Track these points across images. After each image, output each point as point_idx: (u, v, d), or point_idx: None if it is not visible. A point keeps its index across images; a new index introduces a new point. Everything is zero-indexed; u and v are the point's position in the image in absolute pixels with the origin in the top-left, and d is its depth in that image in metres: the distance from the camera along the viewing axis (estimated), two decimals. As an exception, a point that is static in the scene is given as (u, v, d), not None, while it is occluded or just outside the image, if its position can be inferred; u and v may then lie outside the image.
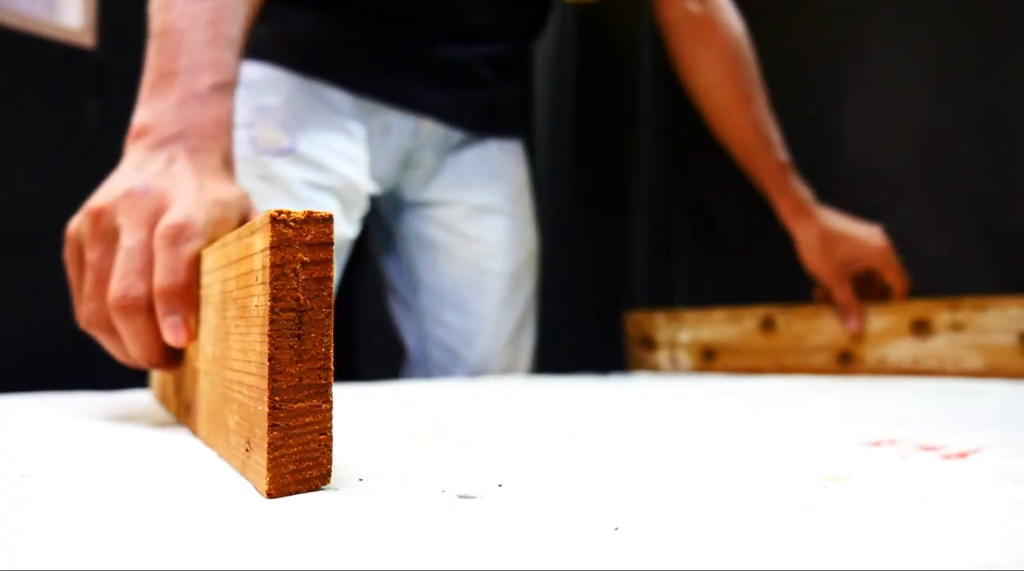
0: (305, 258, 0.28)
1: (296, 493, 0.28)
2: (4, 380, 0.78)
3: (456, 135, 1.00)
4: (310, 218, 0.28)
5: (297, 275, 0.28)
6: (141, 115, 0.55)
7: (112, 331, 0.49)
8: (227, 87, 0.57)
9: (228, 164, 0.56)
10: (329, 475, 0.28)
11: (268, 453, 0.27)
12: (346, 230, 0.92)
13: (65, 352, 0.87)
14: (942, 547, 0.22)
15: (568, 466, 0.35)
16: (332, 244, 0.28)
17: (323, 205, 0.88)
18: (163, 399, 0.58)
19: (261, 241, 0.29)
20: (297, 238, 0.28)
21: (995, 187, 1.00)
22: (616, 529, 0.24)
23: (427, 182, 1.02)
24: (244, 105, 0.84)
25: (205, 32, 0.57)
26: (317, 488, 0.28)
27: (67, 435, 0.44)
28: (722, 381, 0.96)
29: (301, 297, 0.28)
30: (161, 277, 0.44)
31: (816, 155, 1.11)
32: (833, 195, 1.05)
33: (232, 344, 0.34)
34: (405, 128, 0.94)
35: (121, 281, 0.46)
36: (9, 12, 1.05)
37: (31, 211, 0.98)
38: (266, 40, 0.87)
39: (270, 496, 0.27)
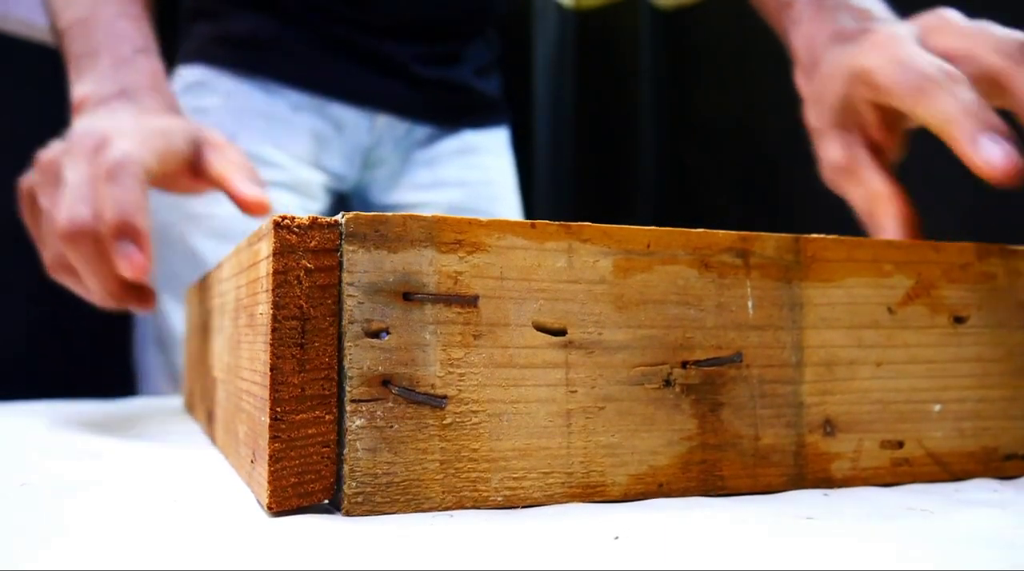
0: (309, 265, 0.27)
1: (298, 507, 0.27)
2: (6, 384, 0.79)
3: (421, 129, 0.93)
4: (315, 223, 0.27)
5: (301, 282, 0.27)
6: (77, 91, 0.57)
7: (74, 271, 0.50)
8: (150, 50, 0.59)
9: (173, 109, 0.58)
10: (332, 488, 0.27)
11: (269, 466, 0.27)
12: None
13: (65, 355, 0.88)
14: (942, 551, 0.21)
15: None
16: (337, 250, 0.28)
17: (276, 201, 0.83)
18: (190, 407, 0.59)
19: (266, 248, 0.28)
20: (301, 244, 0.27)
21: (993, 193, 0.97)
22: (616, 538, 0.23)
23: (395, 182, 0.95)
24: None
25: (110, 10, 0.60)
26: (319, 501, 0.27)
27: (67, 443, 0.44)
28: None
29: (304, 305, 0.27)
30: (110, 213, 0.46)
31: (817, 160, 1.09)
32: (834, 199, 1.03)
33: (242, 353, 0.33)
34: (359, 124, 0.89)
35: (66, 212, 0.47)
36: (10, 18, 1.07)
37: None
38: (204, 41, 0.86)
39: (271, 510, 0.27)
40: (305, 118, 0.87)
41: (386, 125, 0.91)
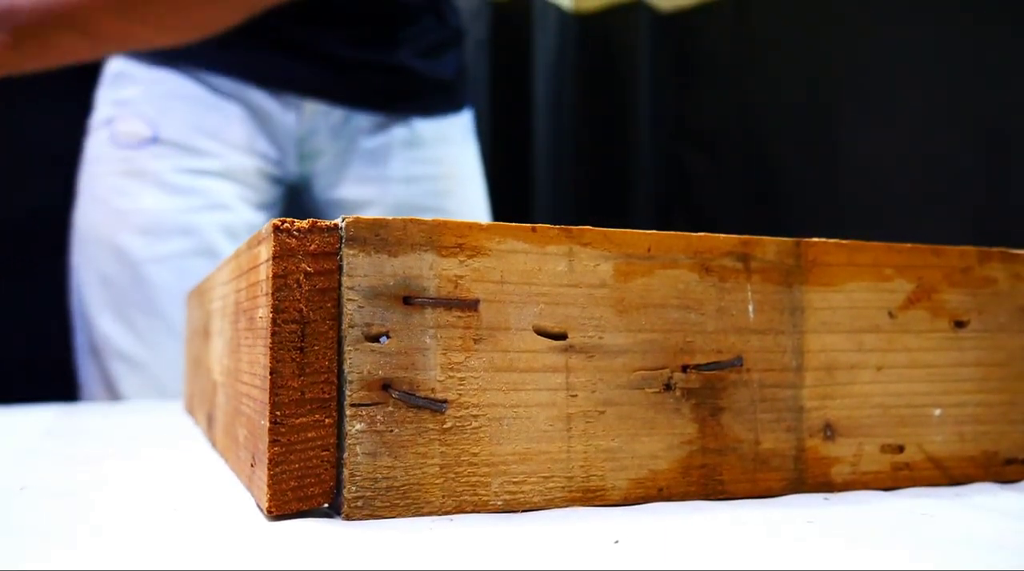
0: (309, 269, 0.27)
1: (298, 510, 0.27)
2: (6, 389, 0.79)
3: (363, 118, 0.86)
4: (314, 227, 0.27)
5: (300, 286, 0.27)
6: None
7: None
8: None
9: None
10: (332, 492, 0.27)
11: (268, 469, 0.26)
12: (250, 217, 0.82)
13: (65, 360, 0.87)
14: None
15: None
16: (337, 254, 0.28)
17: (210, 191, 0.80)
18: (190, 409, 0.58)
19: (266, 251, 0.28)
20: (301, 248, 0.27)
21: (994, 198, 0.97)
22: (616, 542, 0.23)
23: (338, 176, 0.87)
24: (104, 101, 0.82)
25: None
26: (319, 505, 0.27)
27: (67, 445, 0.44)
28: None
29: (304, 309, 0.27)
30: None
31: (817, 165, 1.10)
32: (835, 203, 1.03)
33: (242, 356, 0.33)
34: (284, 112, 0.83)
35: None
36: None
37: (26, 217, 0.98)
38: None
39: (271, 514, 0.27)
40: (232, 102, 0.82)
41: (317, 113, 0.84)
